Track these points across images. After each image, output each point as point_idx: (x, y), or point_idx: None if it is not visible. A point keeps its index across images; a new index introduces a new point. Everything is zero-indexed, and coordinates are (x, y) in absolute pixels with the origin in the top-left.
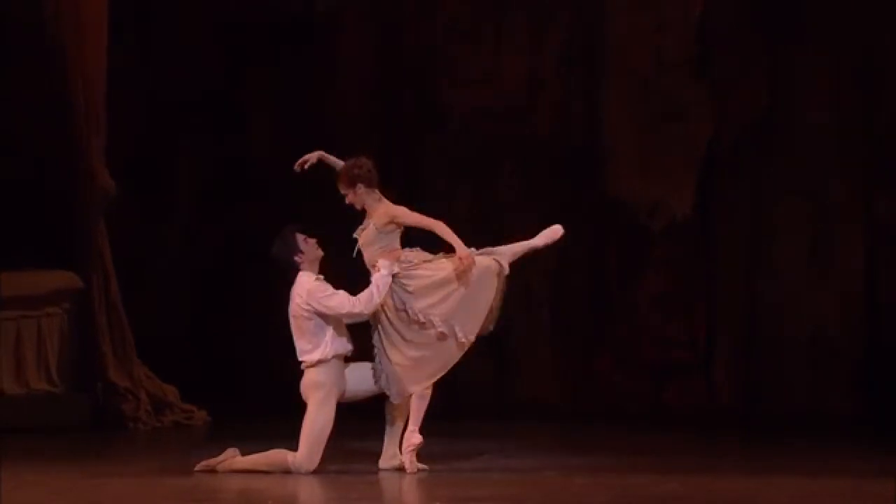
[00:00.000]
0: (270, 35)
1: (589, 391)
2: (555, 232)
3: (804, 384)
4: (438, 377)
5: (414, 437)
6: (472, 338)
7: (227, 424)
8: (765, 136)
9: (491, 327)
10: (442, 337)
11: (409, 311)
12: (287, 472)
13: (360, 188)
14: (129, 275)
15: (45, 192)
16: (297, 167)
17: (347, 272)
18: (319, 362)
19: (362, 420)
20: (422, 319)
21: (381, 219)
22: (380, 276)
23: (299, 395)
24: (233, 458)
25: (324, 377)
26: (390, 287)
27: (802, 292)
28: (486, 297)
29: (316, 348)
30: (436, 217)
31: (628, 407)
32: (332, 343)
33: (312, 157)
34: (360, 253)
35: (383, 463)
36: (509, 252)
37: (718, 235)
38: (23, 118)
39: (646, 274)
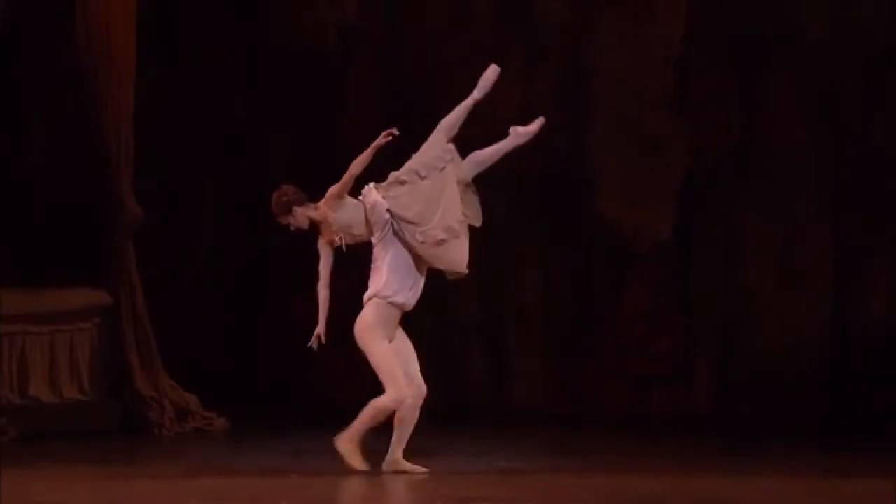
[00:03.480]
0: (287, 68)
1: (578, 399)
2: (486, 79)
3: (777, 392)
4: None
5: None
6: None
7: (246, 430)
8: (738, 165)
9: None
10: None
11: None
12: (390, 411)
13: (297, 210)
14: (157, 292)
15: (79, 217)
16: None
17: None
18: (371, 298)
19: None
20: (419, 239)
21: (329, 207)
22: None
23: (312, 403)
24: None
25: (372, 317)
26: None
27: (774, 307)
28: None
29: (374, 284)
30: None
31: (614, 413)
32: (390, 285)
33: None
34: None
35: (385, 466)
36: (453, 120)
37: (696, 256)
38: (60, 151)
39: (629, 291)
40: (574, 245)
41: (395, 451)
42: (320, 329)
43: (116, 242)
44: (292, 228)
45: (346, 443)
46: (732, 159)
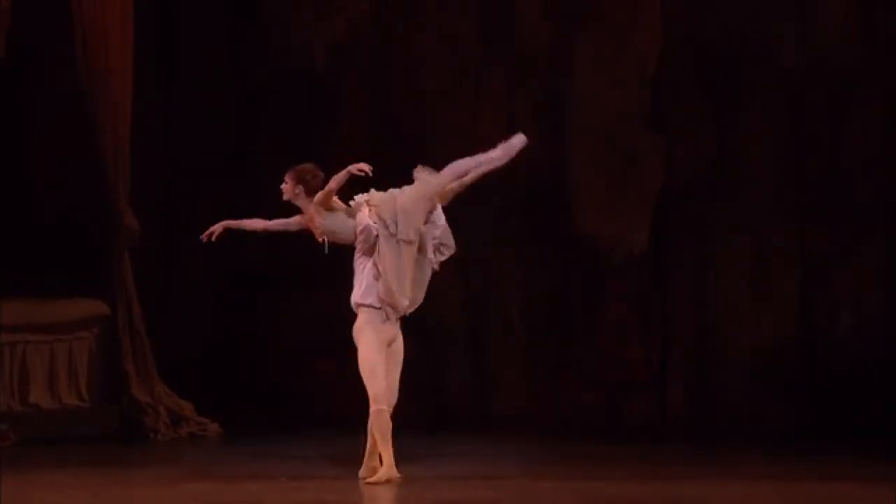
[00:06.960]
0: (279, 87)
1: (557, 405)
2: (511, 146)
3: (747, 398)
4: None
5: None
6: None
7: (238, 435)
8: (711, 180)
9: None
10: None
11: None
12: (385, 416)
13: (301, 191)
14: (153, 302)
15: (78, 231)
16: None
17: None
18: (358, 305)
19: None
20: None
21: (317, 211)
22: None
23: (303, 408)
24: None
25: (361, 321)
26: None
27: (745, 316)
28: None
29: (354, 293)
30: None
31: (591, 419)
32: (368, 293)
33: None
34: (331, 245)
35: (363, 473)
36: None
37: (671, 267)
38: (59, 167)
39: (607, 301)
40: (554, 256)
41: (370, 460)
42: (220, 226)
43: (114, 255)
44: (283, 192)
45: (370, 468)
46: (706, 174)
